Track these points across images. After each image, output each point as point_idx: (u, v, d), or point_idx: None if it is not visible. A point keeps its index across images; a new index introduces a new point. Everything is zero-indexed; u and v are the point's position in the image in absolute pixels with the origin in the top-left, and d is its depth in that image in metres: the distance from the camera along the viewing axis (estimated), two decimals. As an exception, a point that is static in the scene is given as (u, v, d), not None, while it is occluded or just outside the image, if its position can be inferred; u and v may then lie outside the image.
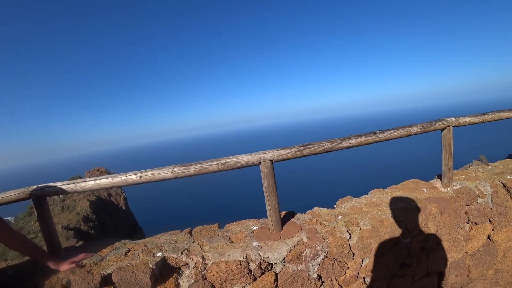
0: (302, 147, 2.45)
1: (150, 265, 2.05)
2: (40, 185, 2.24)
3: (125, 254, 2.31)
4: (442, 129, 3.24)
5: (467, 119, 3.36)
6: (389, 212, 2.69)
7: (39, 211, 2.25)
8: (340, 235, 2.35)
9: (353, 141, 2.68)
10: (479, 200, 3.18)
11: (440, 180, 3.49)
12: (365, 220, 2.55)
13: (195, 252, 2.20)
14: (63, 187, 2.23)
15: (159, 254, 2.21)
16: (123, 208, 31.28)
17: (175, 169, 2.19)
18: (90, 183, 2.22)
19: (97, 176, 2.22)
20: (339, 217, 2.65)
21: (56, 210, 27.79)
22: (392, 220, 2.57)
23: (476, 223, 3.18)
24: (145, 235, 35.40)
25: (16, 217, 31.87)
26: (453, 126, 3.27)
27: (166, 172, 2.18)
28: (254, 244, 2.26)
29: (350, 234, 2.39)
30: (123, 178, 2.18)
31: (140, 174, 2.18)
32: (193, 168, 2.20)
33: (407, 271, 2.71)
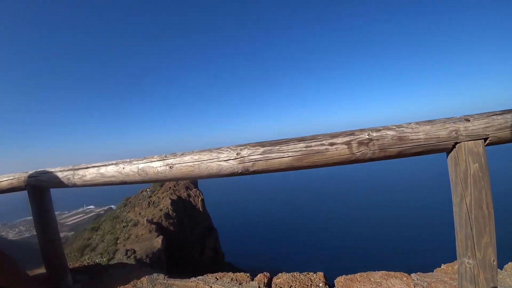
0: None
1: None
2: (38, 170, 1.34)
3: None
4: None
5: None
6: None
7: (35, 205, 1.35)
8: None
9: None
10: None
11: None
12: None
13: None
14: (59, 174, 1.26)
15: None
16: (200, 209, 32.47)
17: (244, 153, 0.96)
18: (91, 171, 1.17)
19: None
20: None
21: (143, 205, 30.44)
22: None
23: None
24: (219, 237, 36.11)
25: (109, 207, 36.29)
26: None
27: (226, 159, 0.96)
28: None
29: None
30: (141, 166, 1.06)
31: (173, 161, 1.01)
32: (298, 152, 0.94)
33: None
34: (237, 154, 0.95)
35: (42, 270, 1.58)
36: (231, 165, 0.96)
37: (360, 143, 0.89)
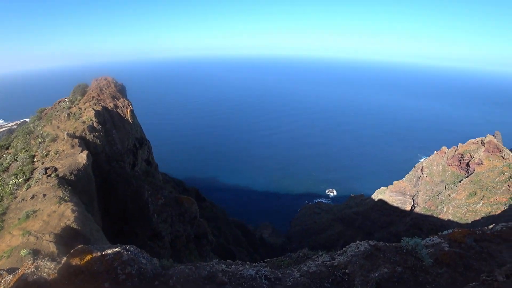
0: None
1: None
2: None
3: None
4: None
5: None
6: None
7: None
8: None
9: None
10: None
11: None
12: None
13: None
14: None
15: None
16: (130, 120, 30.76)
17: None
18: None
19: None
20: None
21: (62, 117, 27.50)
22: None
23: None
24: (153, 149, 35.85)
25: (23, 121, 32.27)
26: None
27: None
28: None
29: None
30: None
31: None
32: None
33: None
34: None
35: None
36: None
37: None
